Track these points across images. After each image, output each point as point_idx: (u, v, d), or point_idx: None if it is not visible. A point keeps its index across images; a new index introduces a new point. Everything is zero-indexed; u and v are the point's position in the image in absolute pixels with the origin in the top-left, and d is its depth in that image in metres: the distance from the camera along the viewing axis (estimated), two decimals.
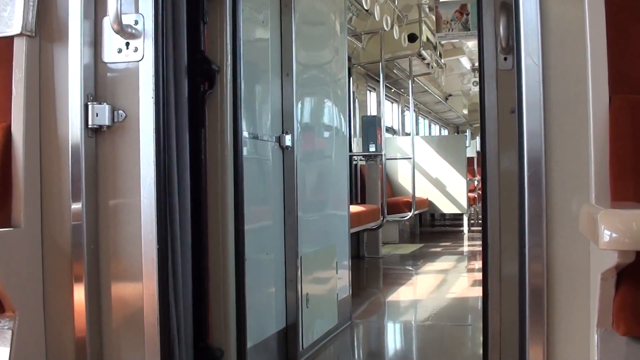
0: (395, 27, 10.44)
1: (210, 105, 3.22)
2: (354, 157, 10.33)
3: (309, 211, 4.48)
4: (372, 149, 9.98)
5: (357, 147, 10.82)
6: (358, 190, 10.33)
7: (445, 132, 22.09)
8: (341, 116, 5.32)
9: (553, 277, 2.39)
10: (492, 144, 2.84)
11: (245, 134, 3.49)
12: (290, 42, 4.19)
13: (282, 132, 4.13)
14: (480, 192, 10.96)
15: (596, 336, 2.06)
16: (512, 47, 2.67)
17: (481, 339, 2.96)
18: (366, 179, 10.02)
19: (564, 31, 2.39)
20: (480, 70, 2.85)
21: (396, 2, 10.38)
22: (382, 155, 9.94)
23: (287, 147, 4.13)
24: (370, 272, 8.82)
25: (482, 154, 2.89)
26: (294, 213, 4.18)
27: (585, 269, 2.30)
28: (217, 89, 3.23)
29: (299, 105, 4.33)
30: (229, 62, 3.25)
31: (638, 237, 1.63)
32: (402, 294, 7.13)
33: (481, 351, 3.00)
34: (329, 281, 4.89)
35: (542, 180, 2.39)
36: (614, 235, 1.64)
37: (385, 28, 9.92)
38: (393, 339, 5.46)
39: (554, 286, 2.39)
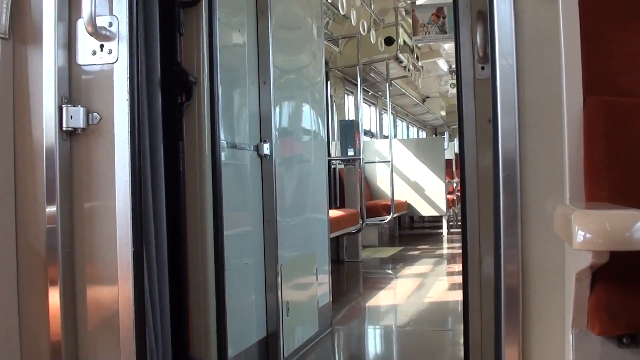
0: (372, 32, 10.45)
1: (188, 117, 3.21)
2: (333, 161, 10.34)
3: (288, 218, 4.47)
4: (350, 153, 9.99)
5: (335, 151, 10.82)
6: (337, 194, 10.33)
7: (423, 134, 22.12)
8: (319, 120, 5.29)
9: (528, 277, 2.40)
10: (470, 151, 2.86)
11: (223, 143, 3.47)
12: (267, 50, 4.16)
13: (260, 141, 4.10)
14: (459, 194, 11.00)
15: (571, 336, 2.07)
16: (489, 56, 2.69)
17: (462, 341, 2.96)
18: (345, 183, 10.01)
19: (538, 33, 2.40)
20: (458, 79, 2.86)
21: (372, 6, 10.40)
22: (360, 159, 9.95)
23: (266, 155, 4.10)
24: (351, 277, 8.81)
25: (460, 161, 2.91)
26: (273, 220, 4.16)
27: (560, 269, 2.32)
28: (195, 101, 3.21)
29: (277, 110, 4.31)
30: (206, 73, 3.23)
31: (611, 238, 1.64)
32: (382, 299, 7.13)
33: (462, 354, 3.00)
34: (310, 288, 4.88)
35: (517, 182, 2.40)
36: (587, 235, 1.65)
37: (362, 32, 9.94)
38: (374, 344, 5.45)
39: (529, 287, 2.40)
